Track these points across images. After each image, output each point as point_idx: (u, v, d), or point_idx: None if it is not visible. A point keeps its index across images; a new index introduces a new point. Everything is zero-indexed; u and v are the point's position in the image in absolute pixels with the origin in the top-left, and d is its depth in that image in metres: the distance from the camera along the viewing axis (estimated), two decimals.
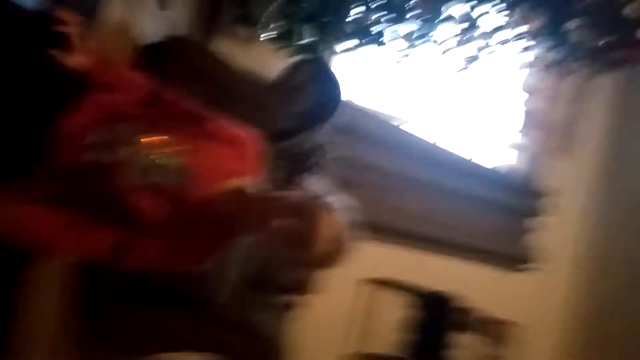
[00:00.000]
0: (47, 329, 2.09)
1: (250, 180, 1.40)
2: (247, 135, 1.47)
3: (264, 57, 3.17)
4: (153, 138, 1.37)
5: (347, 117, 2.88)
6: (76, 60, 1.40)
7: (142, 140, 1.37)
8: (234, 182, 1.38)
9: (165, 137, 1.38)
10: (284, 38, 2.96)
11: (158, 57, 2.37)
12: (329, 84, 2.46)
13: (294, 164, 2.57)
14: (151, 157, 1.35)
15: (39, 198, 1.34)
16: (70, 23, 1.41)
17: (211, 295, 2.38)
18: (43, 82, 1.42)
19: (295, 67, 2.60)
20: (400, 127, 3.93)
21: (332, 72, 2.53)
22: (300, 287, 3.25)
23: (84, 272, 2.06)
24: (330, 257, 1.28)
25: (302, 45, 2.88)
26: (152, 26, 2.55)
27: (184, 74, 2.31)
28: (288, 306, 3.29)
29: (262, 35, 3.11)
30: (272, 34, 3.03)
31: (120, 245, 1.31)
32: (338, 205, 1.30)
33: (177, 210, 1.34)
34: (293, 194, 1.29)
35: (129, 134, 1.38)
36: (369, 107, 3.83)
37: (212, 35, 3.23)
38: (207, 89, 2.29)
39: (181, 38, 2.63)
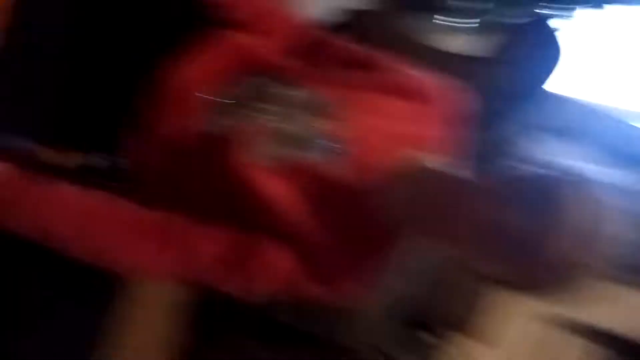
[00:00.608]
0: None
1: (437, 151, 0.95)
2: (439, 86, 1.01)
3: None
4: (300, 93, 0.95)
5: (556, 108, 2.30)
6: None
7: (284, 97, 0.95)
8: (413, 154, 0.92)
9: (318, 92, 0.95)
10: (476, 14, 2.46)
11: (342, 30, 2.00)
12: (548, 52, 1.83)
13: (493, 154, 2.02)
14: (296, 120, 0.92)
15: (122, 188, 0.92)
16: None
17: (353, 334, 1.93)
18: (143, 10, 1.02)
19: (504, 33, 2.09)
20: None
21: (553, 36, 1.88)
22: (468, 323, 2.67)
23: (193, 294, 1.70)
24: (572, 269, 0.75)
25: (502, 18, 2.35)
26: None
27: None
28: (446, 347, 2.74)
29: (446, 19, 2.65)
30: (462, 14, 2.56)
31: (240, 256, 0.87)
32: (603, 185, 0.77)
33: (327, 199, 0.90)
34: (512, 170, 0.81)
35: (268, 89, 0.96)
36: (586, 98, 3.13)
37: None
38: None
39: (371, 11, 2.22)
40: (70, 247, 0.84)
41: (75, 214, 0.85)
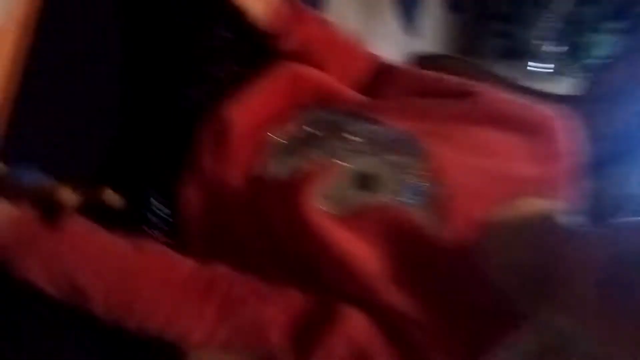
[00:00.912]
0: None
1: (562, 200, 0.75)
2: (558, 117, 0.79)
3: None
4: (376, 128, 0.80)
5: None
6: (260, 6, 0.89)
7: (358, 133, 0.80)
8: (532, 204, 0.74)
9: (397, 126, 0.80)
10: (567, 59, 2.29)
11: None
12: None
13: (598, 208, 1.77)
14: (373, 159, 0.77)
15: (171, 239, 0.81)
16: None
17: None
18: (195, 39, 0.91)
19: (604, 70, 1.81)
20: None
21: None
22: None
23: None
24: None
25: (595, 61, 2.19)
26: (389, 46, 2.06)
27: None
28: None
29: (533, 65, 2.49)
30: (549, 58, 2.40)
31: (312, 327, 0.70)
32: None
33: (413, 257, 0.72)
34: None
35: (338, 125, 0.82)
36: None
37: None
38: None
39: (446, 55, 2.10)
40: (105, 305, 0.70)
41: (112, 266, 0.71)
